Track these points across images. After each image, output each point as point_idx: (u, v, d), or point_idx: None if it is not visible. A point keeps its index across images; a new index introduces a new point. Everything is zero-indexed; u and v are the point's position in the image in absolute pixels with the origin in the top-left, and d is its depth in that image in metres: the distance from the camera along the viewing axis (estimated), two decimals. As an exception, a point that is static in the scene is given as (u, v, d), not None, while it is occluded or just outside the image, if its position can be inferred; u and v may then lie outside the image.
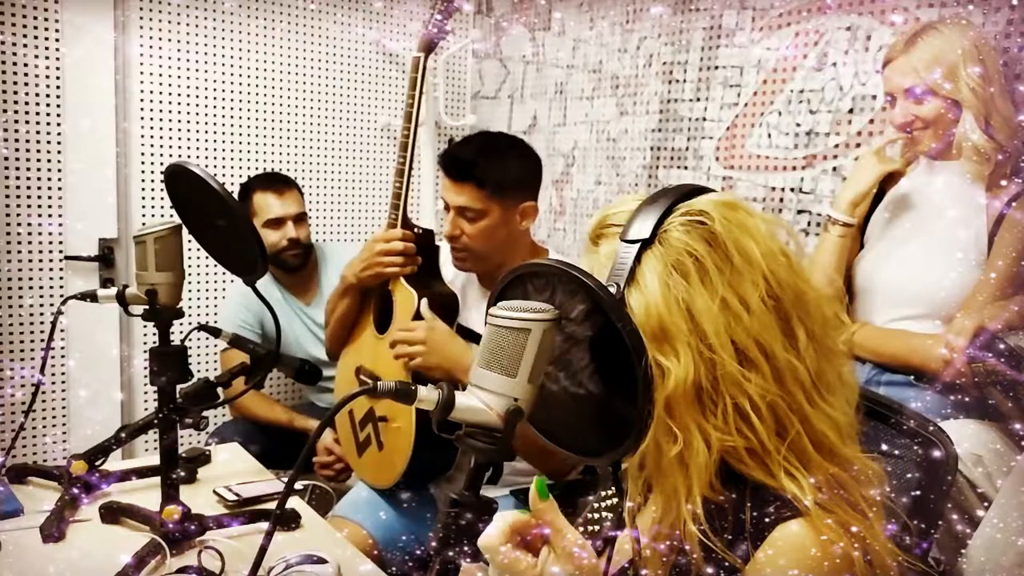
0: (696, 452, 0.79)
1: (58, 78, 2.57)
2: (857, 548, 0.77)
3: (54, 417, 2.69)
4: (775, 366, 0.80)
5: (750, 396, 0.79)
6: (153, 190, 2.77)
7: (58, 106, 2.57)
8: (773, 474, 0.80)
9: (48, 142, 2.57)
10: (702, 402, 0.80)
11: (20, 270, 2.58)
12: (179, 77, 2.77)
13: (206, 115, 2.83)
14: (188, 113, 2.80)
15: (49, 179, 2.59)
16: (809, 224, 2.14)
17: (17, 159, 2.53)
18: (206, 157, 2.84)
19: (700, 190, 0.86)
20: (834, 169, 2.08)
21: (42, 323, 2.62)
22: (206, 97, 2.82)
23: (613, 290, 0.79)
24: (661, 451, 0.80)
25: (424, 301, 1.77)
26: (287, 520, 1.43)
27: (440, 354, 1.66)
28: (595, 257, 0.87)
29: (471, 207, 1.72)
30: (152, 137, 2.75)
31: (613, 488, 1.04)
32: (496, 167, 1.74)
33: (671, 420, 0.80)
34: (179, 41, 2.75)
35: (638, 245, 0.82)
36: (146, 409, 2.83)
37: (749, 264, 0.81)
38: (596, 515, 1.05)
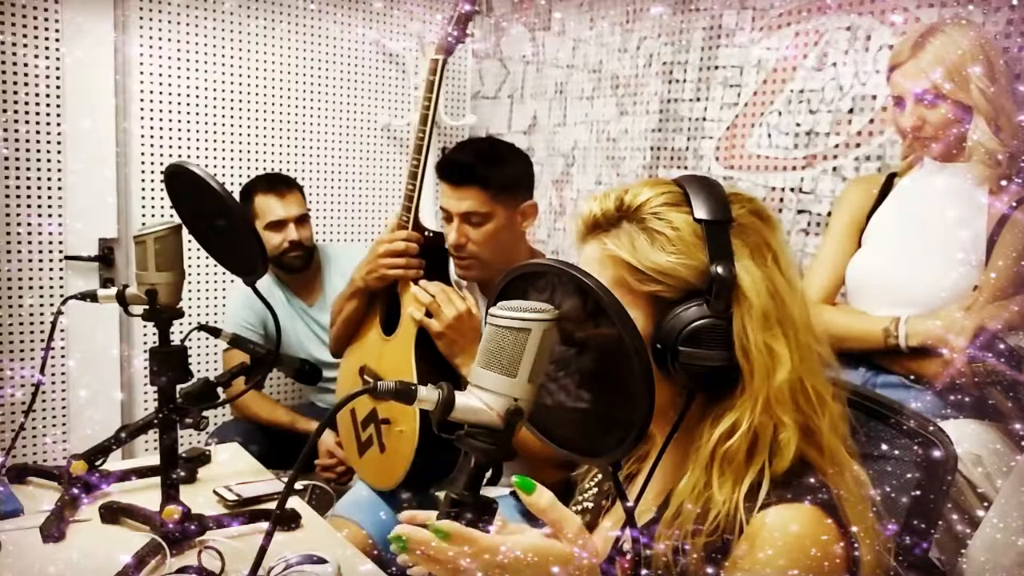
0: (784, 444, 0.79)
1: (58, 78, 2.57)
2: (848, 546, 0.77)
3: (54, 417, 2.69)
4: (814, 351, 0.83)
5: (815, 379, 0.82)
6: (153, 190, 2.77)
7: (58, 106, 2.57)
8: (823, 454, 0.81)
9: (48, 142, 2.57)
10: (793, 388, 0.81)
11: (20, 270, 2.58)
12: (179, 77, 2.77)
13: (206, 115, 2.83)
14: (188, 113, 2.80)
15: (49, 179, 2.59)
16: (809, 224, 2.15)
17: (17, 159, 2.53)
18: (206, 157, 2.84)
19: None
20: (834, 169, 2.08)
21: (42, 323, 2.62)
22: (206, 97, 2.82)
23: (722, 271, 0.79)
24: (748, 438, 0.79)
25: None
26: (287, 520, 1.43)
27: (459, 337, 1.65)
28: (641, 237, 0.84)
29: (477, 211, 1.72)
30: (152, 137, 2.75)
31: (597, 487, 1.04)
32: (496, 167, 1.75)
33: (776, 408, 0.79)
34: (179, 41, 2.75)
35: (727, 226, 0.82)
36: (146, 409, 2.83)
37: (787, 252, 0.84)
38: (578, 507, 1.04)
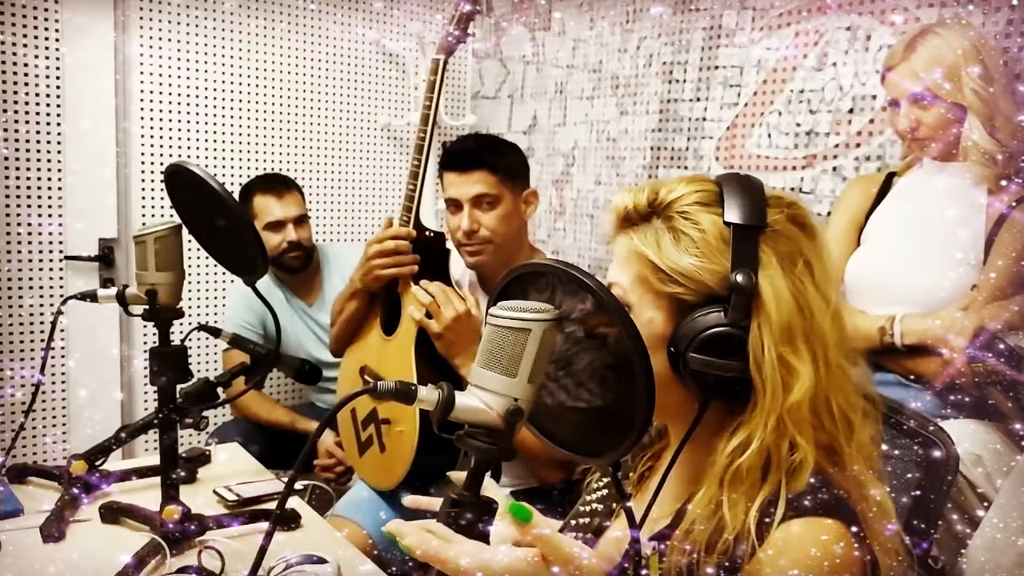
0: (799, 464, 0.76)
1: (58, 78, 2.57)
2: (858, 550, 0.76)
3: (54, 417, 2.69)
4: (843, 368, 0.80)
5: (843, 399, 0.78)
6: (153, 190, 2.77)
7: (58, 106, 2.57)
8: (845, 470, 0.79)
9: (48, 142, 2.57)
10: (816, 407, 0.78)
11: (20, 270, 2.58)
12: (179, 77, 2.77)
13: (206, 115, 2.83)
14: (188, 113, 2.80)
15: (49, 179, 2.59)
16: (809, 224, 2.14)
17: (17, 159, 2.53)
18: (206, 157, 2.84)
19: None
20: (834, 169, 2.08)
21: (42, 323, 2.62)
22: (206, 97, 2.82)
23: (742, 279, 0.76)
24: (761, 456, 0.77)
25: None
26: (287, 520, 1.43)
27: (458, 338, 1.66)
28: (667, 236, 0.81)
29: (488, 192, 1.76)
30: (152, 137, 2.75)
31: (606, 488, 1.03)
32: (500, 153, 1.82)
33: (791, 427, 0.76)
34: (179, 41, 2.75)
35: (756, 231, 0.78)
36: (146, 409, 2.83)
37: (824, 264, 0.81)
38: (586, 507, 1.04)
